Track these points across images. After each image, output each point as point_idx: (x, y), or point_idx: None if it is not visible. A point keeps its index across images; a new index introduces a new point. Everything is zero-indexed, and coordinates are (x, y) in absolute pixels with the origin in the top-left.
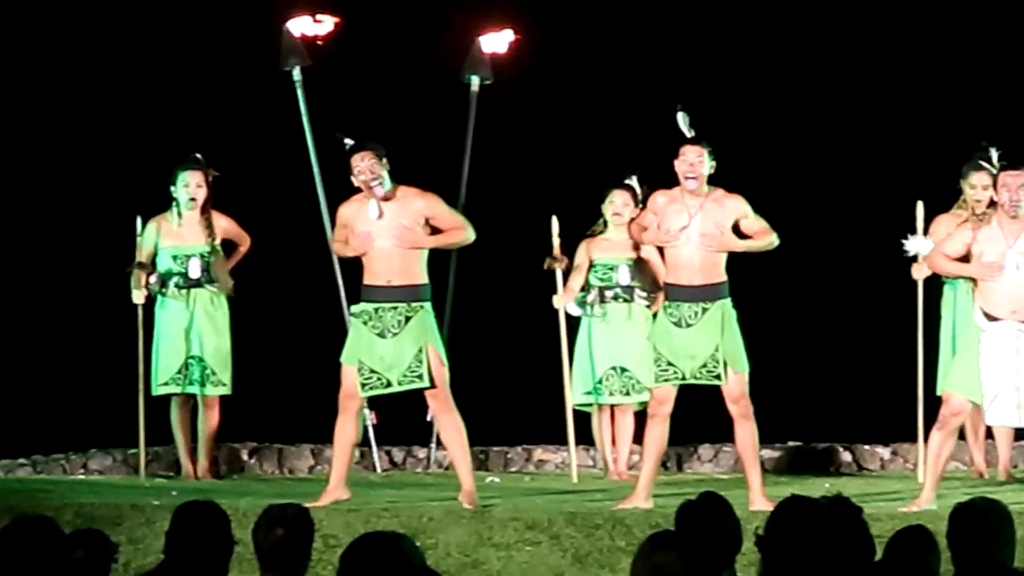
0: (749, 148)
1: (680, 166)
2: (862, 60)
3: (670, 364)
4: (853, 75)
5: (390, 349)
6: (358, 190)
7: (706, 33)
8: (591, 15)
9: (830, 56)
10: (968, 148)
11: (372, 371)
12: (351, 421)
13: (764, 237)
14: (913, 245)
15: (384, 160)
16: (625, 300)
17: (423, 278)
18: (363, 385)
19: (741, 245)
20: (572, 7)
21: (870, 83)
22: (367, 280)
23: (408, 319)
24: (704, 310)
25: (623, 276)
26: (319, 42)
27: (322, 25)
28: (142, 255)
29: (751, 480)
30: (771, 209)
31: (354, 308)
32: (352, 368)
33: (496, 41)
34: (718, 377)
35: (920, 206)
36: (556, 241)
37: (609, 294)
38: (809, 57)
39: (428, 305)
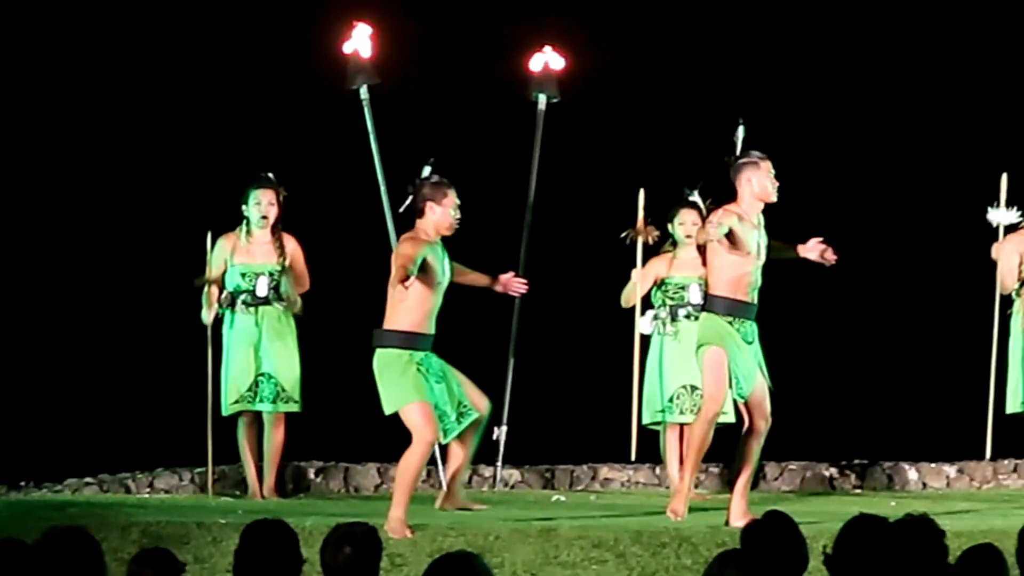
0: (820, 144)
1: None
2: (934, 37)
3: (739, 380)
4: (922, 57)
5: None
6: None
7: (769, 22)
8: (651, 32)
9: (901, 35)
10: None
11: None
12: None
13: None
14: (996, 216)
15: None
16: (696, 319)
17: None
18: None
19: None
20: (632, 27)
21: (935, 79)
22: (422, 328)
23: None
24: (755, 328)
25: (694, 295)
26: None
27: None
28: (213, 272)
29: (745, 492)
30: (842, 215)
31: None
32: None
33: (553, 59)
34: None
35: (1004, 178)
36: (641, 214)
37: (681, 312)
38: (879, 36)
39: None
